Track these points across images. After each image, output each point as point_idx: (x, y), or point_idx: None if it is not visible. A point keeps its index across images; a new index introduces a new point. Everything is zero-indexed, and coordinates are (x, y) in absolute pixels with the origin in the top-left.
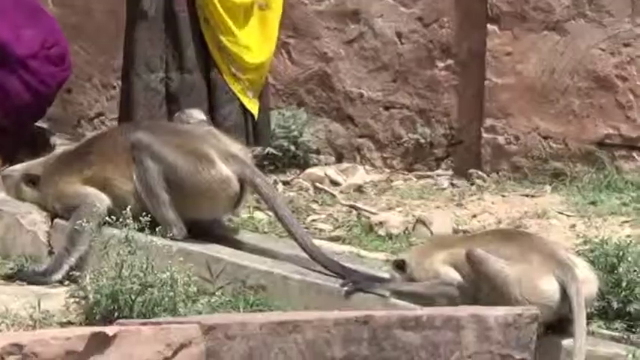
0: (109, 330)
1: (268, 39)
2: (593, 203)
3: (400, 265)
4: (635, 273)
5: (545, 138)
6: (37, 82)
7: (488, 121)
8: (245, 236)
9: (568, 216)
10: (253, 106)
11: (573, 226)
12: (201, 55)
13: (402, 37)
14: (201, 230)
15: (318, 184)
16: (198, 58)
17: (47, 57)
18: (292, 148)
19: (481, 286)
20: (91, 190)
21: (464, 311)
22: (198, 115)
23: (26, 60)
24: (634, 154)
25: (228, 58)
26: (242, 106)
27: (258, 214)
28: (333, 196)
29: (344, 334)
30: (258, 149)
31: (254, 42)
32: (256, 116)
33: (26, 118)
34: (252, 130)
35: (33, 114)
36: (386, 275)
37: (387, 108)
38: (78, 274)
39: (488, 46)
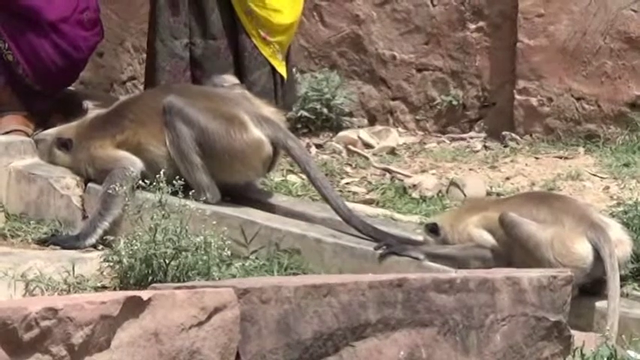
0: (144, 294)
1: (296, 0)
2: (626, 165)
3: (434, 228)
4: None
5: (577, 99)
6: (69, 46)
7: (521, 83)
8: (278, 199)
9: (601, 178)
10: (283, 69)
11: (607, 188)
12: (227, 20)
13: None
14: (234, 194)
15: (351, 147)
16: (223, 24)
17: (79, 21)
18: (325, 110)
19: (514, 250)
20: (124, 154)
21: (498, 274)
22: (231, 79)
23: (58, 24)
24: None
25: (257, 23)
26: (271, 70)
27: (292, 178)
28: (367, 158)
29: (378, 297)
30: (291, 112)
31: (282, 4)
32: (286, 78)
33: (59, 82)
34: (282, 94)
35: (65, 78)
36: (419, 238)
37: (419, 70)
38: (112, 238)
39: (520, 7)
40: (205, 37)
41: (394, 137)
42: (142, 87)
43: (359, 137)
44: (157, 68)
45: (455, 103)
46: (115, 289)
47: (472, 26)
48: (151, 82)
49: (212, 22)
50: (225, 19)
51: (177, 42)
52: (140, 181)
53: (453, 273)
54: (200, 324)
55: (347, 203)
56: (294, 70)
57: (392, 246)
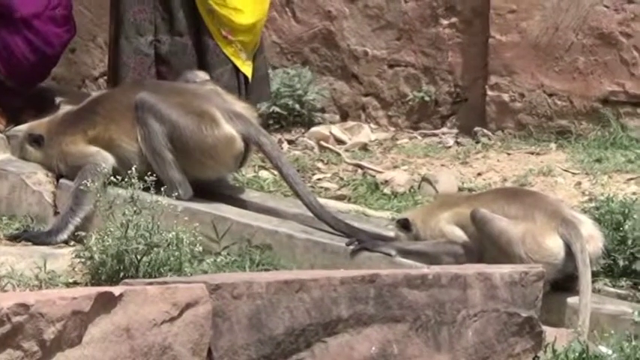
0: (115, 290)
1: (259, 0)
2: (598, 161)
3: (405, 224)
4: None
5: (550, 95)
6: (42, 42)
7: (493, 79)
8: (250, 195)
9: (573, 174)
10: (247, 69)
11: (579, 183)
12: (193, 18)
13: None
14: (206, 190)
15: (323, 143)
16: (189, 21)
17: (51, 17)
18: (297, 106)
19: (486, 246)
20: (96, 150)
21: (470, 269)
22: (202, 75)
23: (30, 20)
24: (639, 110)
25: (218, 21)
26: (234, 68)
27: (264, 173)
28: (338, 154)
29: (350, 293)
30: (263, 107)
31: (243, 3)
32: (250, 78)
33: (31, 78)
34: (246, 92)
35: (37, 74)
36: (391, 234)
37: (391, 66)
38: (83, 234)
39: (492, 3)
40: (172, 33)
41: (366, 133)
42: None
43: (331, 133)
44: (121, 65)
45: (427, 99)
46: (86, 285)
47: (444, 22)
48: (115, 79)
49: (178, 19)
50: (190, 16)
51: (142, 39)
52: (112, 177)
53: (424, 269)
54: (172, 319)
55: (319, 199)
56: (267, 66)
57: (364, 242)
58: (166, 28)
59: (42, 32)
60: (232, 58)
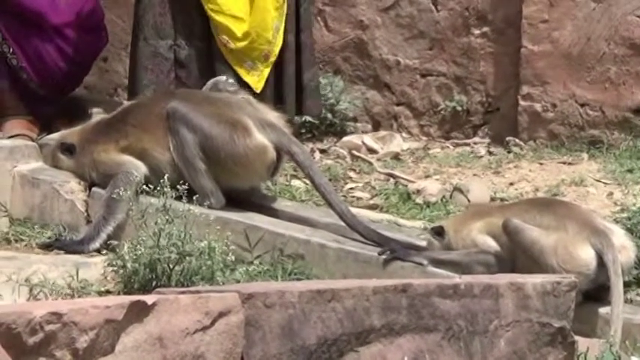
0: (148, 299)
1: (260, 8)
2: (630, 171)
3: (438, 234)
4: None
5: (581, 105)
6: (73, 50)
7: (525, 89)
8: (282, 204)
9: (605, 184)
10: (251, 79)
11: (610, 193)
12: (207, 23)
13: (437, 5)
14: (238, 199)
15: (355, 152)
16: (206, 26)
17: (83, 26)
18: (329, 116)
19: (518, 256)
20: (128, 158)
21: (502, 279)
22: (233, 81)
23: (62, 28)
24: None
25: (216, 28)
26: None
27: (296, 183)
28: (371, 164)
29: (383, 303)
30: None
31: (241, 10)
32: (257, 89)
33: (63, 86)
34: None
35: (69, 83)
36: (423, 243)
37: (423, 75)
38: (116, 242)
39: (524, 13)
40: (190, 38)
41: (398, 142)
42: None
43: (363, 142)
44: (139, 67)
45: (459, 108)
46: (119, 294)
47: (476, 31)
48: (134, 82)
49: (197, 23)
50: (206, 21)
51: (162, 42)
52: (144, 186)
53: (457, 278)
54: (204, 329)
55: (351, 208)
56: (317, 79)
57: (396, 251)
58: (185, 32)
59: (73, 41)
60: (235, 67)
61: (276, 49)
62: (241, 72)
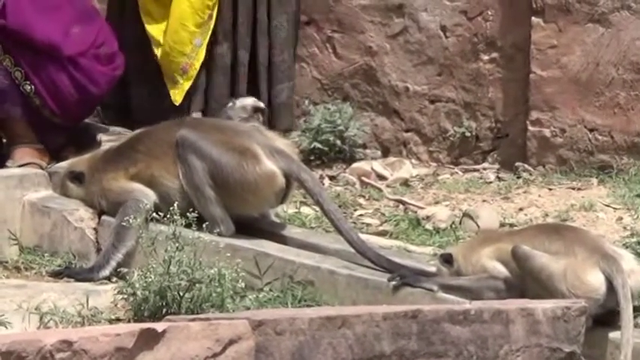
0: (159, 326)
1: (176, 22)
2: (639, 196)
3: (447, 260)
4: None
5: (590, 130)
6: (87, 80)
7: (534, 114)
8: (292, 231)
9: (615, 209)
10: (172, 91)
11: (620, 218)
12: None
13: (446, 31)
14: (248, 226)
15: (364, 179)
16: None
17: (96, 55)
18: (338, 142)
19: (528, 282)
20: (137, 186)
21: (512, 305)
22: (251, 101)
23: (76, 58)
24: None
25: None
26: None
27: (305, 209)
28: (380, 190)
29: (393, 329)
30: (304, 144)
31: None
32: (176, 102)
33: (76, 115)
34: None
35: (83, 111)
36: (433, 269)
37: (432, 102)
38: (125, 270)
39: (533, 38)
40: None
41: (407, 169)
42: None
43: (372, 169)
44: None
45: (468, 134)
46: (129, 322)
47: (485, 57)
48: None
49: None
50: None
51: None
52: (153, 214)
53: (467, 304)
54: (215, 356)
55: (360, 235)
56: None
57: (406, 277)
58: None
59: (87, 70)
60: (166, 80)
61: (197, 64)
62: (167, 83)
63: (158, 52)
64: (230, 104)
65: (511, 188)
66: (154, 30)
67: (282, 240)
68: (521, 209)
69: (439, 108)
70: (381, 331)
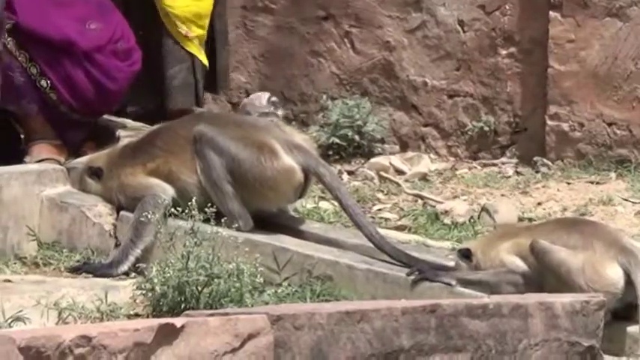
0: (177, 321)
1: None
2: None
3: (466, 254)
4: None
5: (609, 125)
6: (104, 75)
7: (552, 109)
8: (311, 226)
9: (633, 203)
10: (205, 59)
11: (638, 212)
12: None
13: (464, 26)
14: (266, 221)
15: (382, 174)
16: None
17: (113, 51)
18: (356, 137)
19: (546, 276)
20: (155, 181)
21: (531, 299)
22: (265, 96)
23: (92, 53)
24: None
25: (175, 22)
26: (192, 66)
27: (324, 204)
28: (398, 185)
29: (411, 323)
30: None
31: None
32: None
33: (94, 110)
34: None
35: (101, 107)
36: (452, 264)
37: (450, 96)
38: (144, 265)
39: (551, 33)
40: None
41: (426, 163)
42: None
43: (391, 164)
44: None
45: (486, 129)
46: (147, 317)
47: (503, 52)
48: None
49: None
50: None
51: None
52: (172, 209)
53: (485, 298)
54: (234, 350)
55: (379, 229)
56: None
57: (424, 272)
58: None
59: (104, 66)
60: (196, 54)
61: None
62: (201, 57)
63: (192, 28)
64: (246, 100)
65: (529, 183)
66: (181, 10)
67: (301, 235)
68: (539, 204)
69: (457, 102)
70: (399, 325)
